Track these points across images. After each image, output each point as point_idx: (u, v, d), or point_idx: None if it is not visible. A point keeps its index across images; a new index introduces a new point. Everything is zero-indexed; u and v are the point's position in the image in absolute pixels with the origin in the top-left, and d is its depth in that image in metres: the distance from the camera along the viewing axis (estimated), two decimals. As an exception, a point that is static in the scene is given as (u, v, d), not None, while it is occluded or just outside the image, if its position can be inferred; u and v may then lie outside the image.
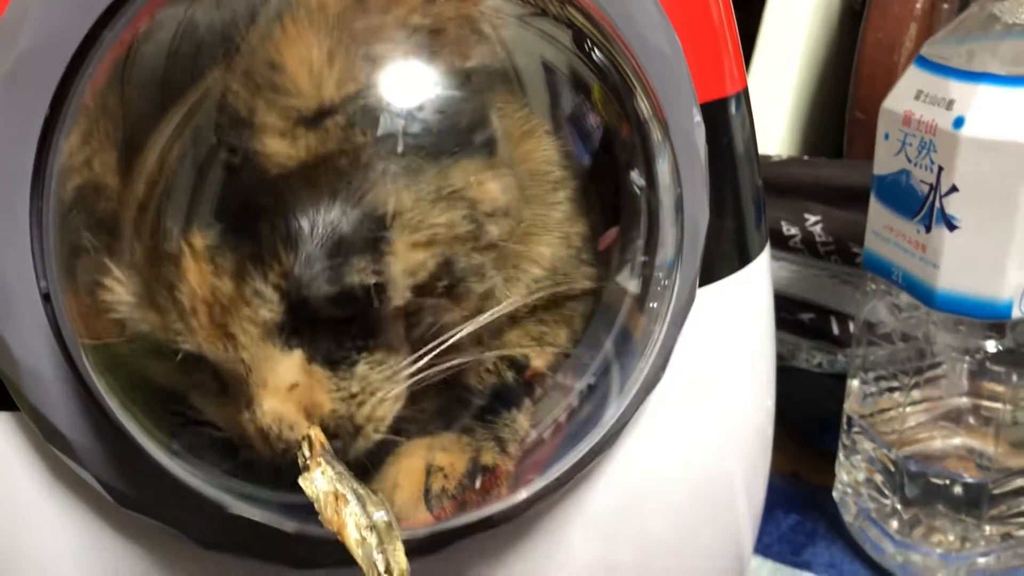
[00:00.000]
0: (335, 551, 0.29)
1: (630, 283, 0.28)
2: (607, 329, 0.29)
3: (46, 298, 0.26)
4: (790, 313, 0.60)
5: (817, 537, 0.53)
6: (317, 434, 0.25)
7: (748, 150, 0.36)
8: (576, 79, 0.27)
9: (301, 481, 0.24)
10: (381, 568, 0.24)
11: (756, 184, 0.37)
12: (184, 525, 0.28)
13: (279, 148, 0.23)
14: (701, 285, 0.34)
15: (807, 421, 0.60)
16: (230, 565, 0.30)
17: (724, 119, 0.34)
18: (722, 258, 0.35)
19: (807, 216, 0.59)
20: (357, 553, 0.24)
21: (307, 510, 0.27)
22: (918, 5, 0.62)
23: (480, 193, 0.24)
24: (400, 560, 0.24)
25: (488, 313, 0.25)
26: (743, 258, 0.36)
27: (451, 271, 0.24)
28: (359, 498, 0.24)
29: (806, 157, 0.62)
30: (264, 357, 0.24)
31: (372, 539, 0.24)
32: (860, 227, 0.50)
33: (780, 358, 0.62)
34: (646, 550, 0.39)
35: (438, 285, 0.24)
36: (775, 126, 0.66)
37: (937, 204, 0.43)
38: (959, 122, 0.41)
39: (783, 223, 0.59)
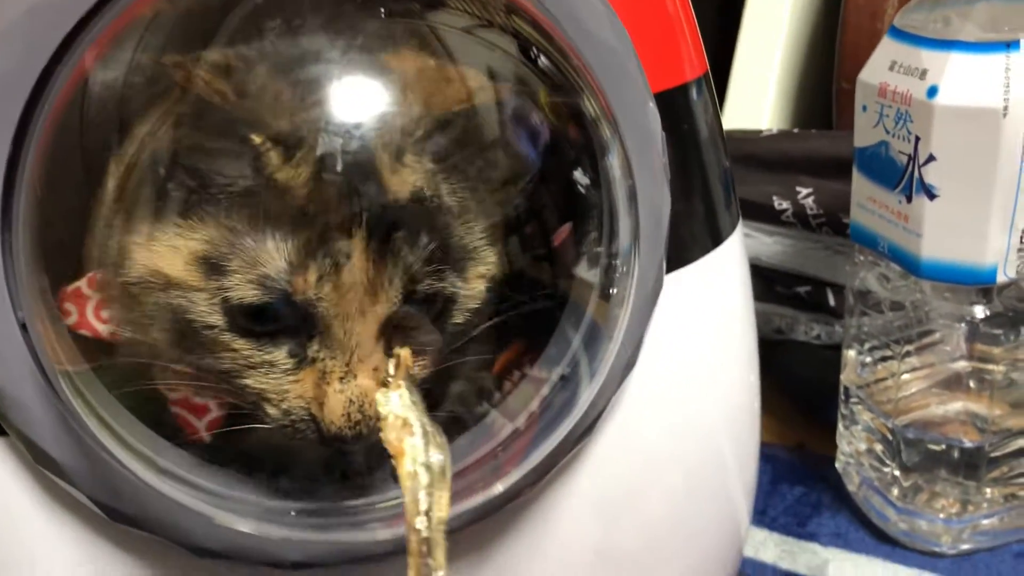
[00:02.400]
0: (327, 551, 0.31)
1: (588, 274, 0.29)
2: (574, 320, 0.30)
3: (23, 328, 0.27)
4: (787, 287, 0.60)
5: (822, 508, 0.54)
6: (406, 356, 0.27)
7: (712, 133, 0.36)
8: (523, 85, 0.28)
9: (377, 396, 0.26)
10: (423, 508, 0.24)
11: (723, 166, 0.37)
12: (175, 535, 0.29)
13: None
14: (674, 268, 0.35)
15: (810, 393, 0.61)
16: (224, 570, 0.31)
17: (685, 105, 0.35)
18: (693, 241, 0.36)
19: (799, 189, 0.59)
20: (405, 484, 0.25)
21: (292, 515, 0.28)
22: (900, -30, 0.62)
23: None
24: (443, 507, 0.24)
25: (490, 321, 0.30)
26: (715, 239, 0.37)
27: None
28: (425, 434, 0.25)
29: (796, 130, 0.62)
30: (368, 341, 0.27)
31: (424, 478, 0.25)
32: (850, 198, 0.50)
33: (779, 332, 0.63)
34: (639, 532, 0.39)
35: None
36: (764, 101, 0.66)
37: (916, 174, 0.43)
38: (933, 91, 0.41)
39: (775, 198, 0.59)
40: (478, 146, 0.28)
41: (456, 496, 0.30)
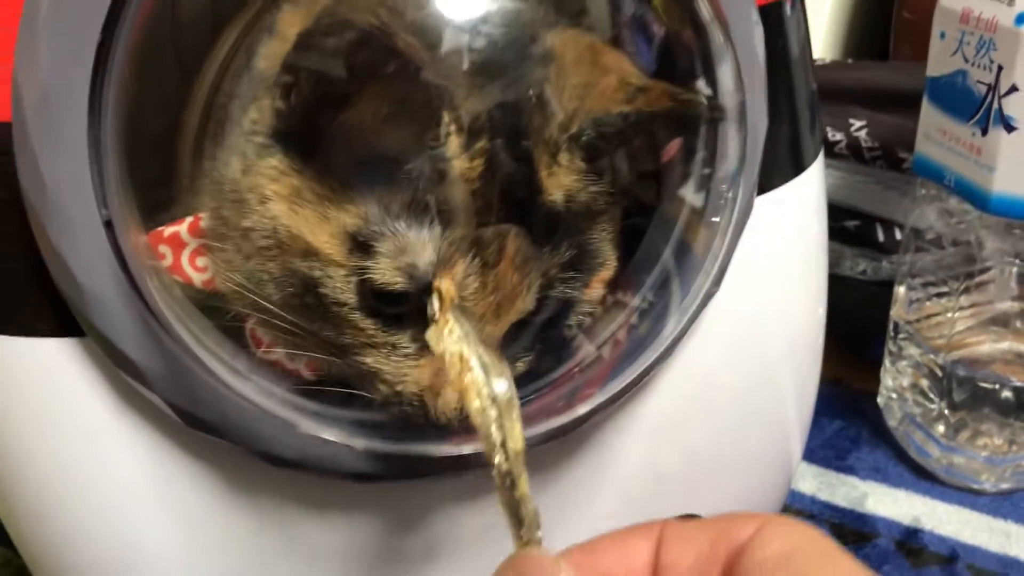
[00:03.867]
0: (400, 465, 0.30)
1: (694, 197, 0.28)
2: (669, 246, 0.29)
3: (108, 225, 0.26)
4: (835, 220, 0.59)
5: (861, 442, 0.54)
6: (448, 288, 0.25)
7: (803, 53, 0.35)
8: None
9: (428, 335, 0.25)
10: (498, 442, 0.23)
11: (811, 88, 0.36)
12: (252, 443, 0.29)
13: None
14: (760, 192, 0.34)
15: (851, 328, 0.60)
16: (297, 480, 0.30)
17: (779, 21, 0.33)
18: (777, 166, 0.35)
19: (852, 121, 0.57)
20: (476, 421, 0.24)
21: (374, 427, 0.28)
22: None
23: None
24: (517, 438, 0.23)
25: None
26: (798, 166, 0.36)
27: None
28: (484, 366, 0.24)
29: (850, 60, 0.60)
30: (494, 341, 0.26)
31: (492, 411, 0.24)
32: (907, 132, 0.49)
33: (823, 266, 0.62)
34: (693, 455, 0.39)
35: None
36: (818, 28, 0.64)
37: (995, 105, 0.42)
38: (1021, 19, 0.40)
39: (828, 129, 0.58)
40: (628, 147, 0.26)
41: (536, 416, 0.30)
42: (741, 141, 0.28)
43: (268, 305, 0.27)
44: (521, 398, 0.29)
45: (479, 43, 0.25)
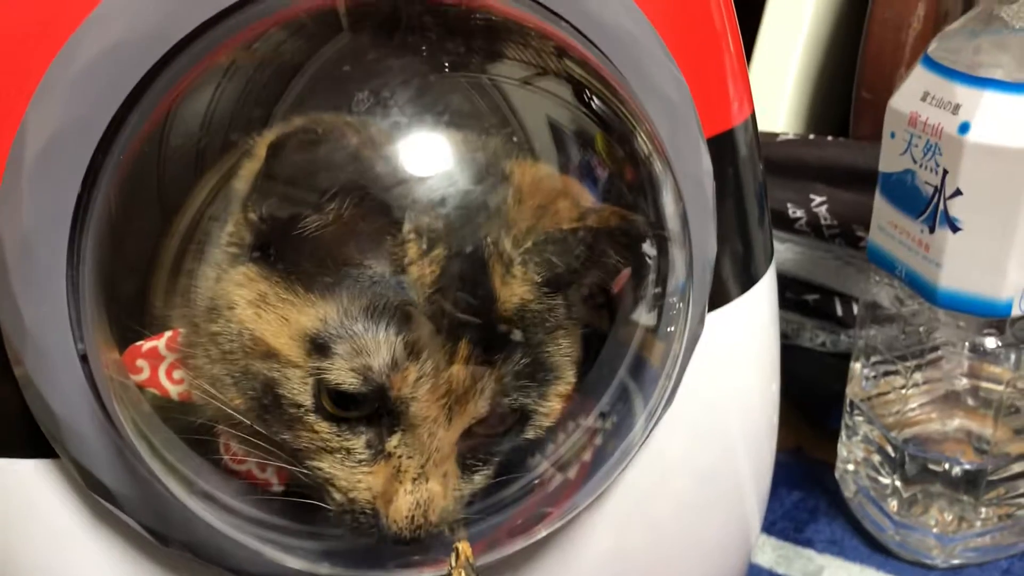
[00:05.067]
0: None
1: (647, 317, 0.29)
2: (625, 365, 0.31)
3: (83, 359, 0.27)
4: (795, 294, 0.61)
5: (819, 514, 0.55)
6: (465, 547, 0.28)
7: (756, 174, 0.37)
8: (580, 130, 0.28)
9: None
10: None
11: (763, 208, 0.38)
12: (224, 562, 0.30)
13: None
14: (711, 309, 0.35)
15: (810, 398, 0.62)
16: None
17: (733, 149, 0.35)
18: (729, 283, 0.36)
19: (812, 197, 0.59)
20: None
21: (338, 555, 0.29)
22: (927, -19, 0.62)
23: None
24: None
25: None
26: (750, 279, 0.37)
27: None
28: None
29: (812, 136, 0.62)
30: (447, 447, 0.27)
31: None
32: (865, 209, 0.50)
33: (784, 337, 0.64)
34: (652, 537, 0.40)
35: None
36: (781, 101, 0.66)
37: (941, 206, 0.44)
38: (964, 127, 0.42)
39: (789, 205, 0.60)
40: (580, 264, 0.28)
41: (497, 543, 0.31)
42: (687, 255, 0.30)
43: (231, 411, 0.28)
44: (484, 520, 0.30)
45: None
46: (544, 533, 0.31)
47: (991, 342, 0.46)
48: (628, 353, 0.31)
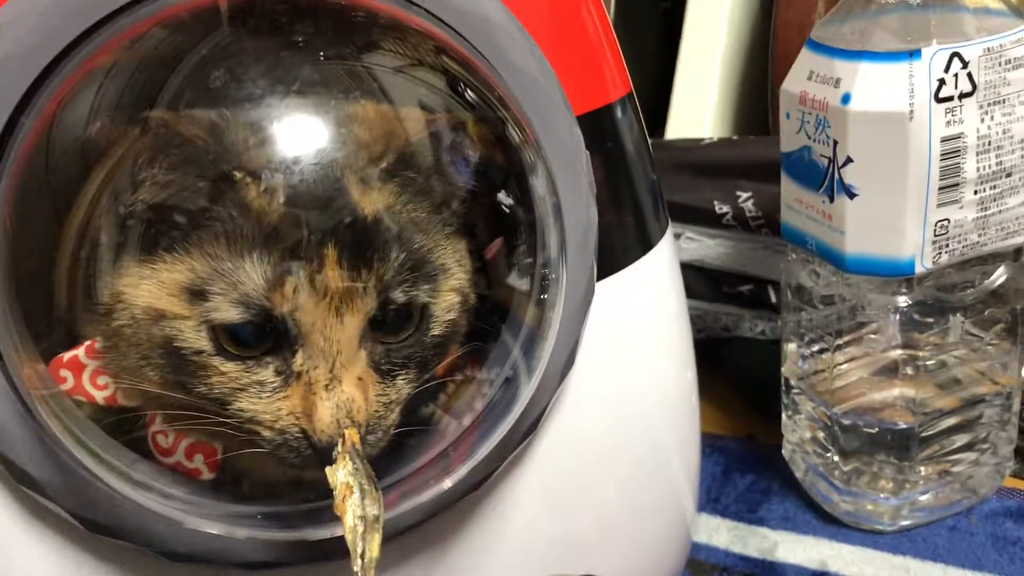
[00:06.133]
0: (286, 552, 0.33)
1: (520, 283, 0.31)
2: (512, 325, 0.33)
3: None
4: (731, 286, 0.63)
5: (771, 494, 0.57)
6: (351, 434, 0.29)
7: (638, 148, 0.39)
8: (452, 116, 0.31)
9: (328, 471, 0.29)
10: (359, 552, 0.28)
11: (650, 178, 0.40)
12: (149, 541, 0.32)
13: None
14: (607, 275, 0.38)
15: (758, 386, 0.64)
16: (197, 573, 0.33)
17: (610, 124, 0.38)
18: (625, 250, 0.38)
19: (739, 193, 0.62)
20: (348, 537, 0.29)
21: (256, 517, 0.31)
22: (825, -17, 0.65)
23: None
24: (374, 549, 0.28)
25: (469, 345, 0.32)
26: (645, 246, 0.39)
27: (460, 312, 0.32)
28: (363, 492, 0.28)
29: (735, 137, 0.65)
30: (349, 348, 0.29)
31: (360, 528, 0.28)
32: (786, 199, 0.52)
33: (726, 329, 0.66)
34: (590, 520, 0.41)
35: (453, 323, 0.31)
36: (706, 110, 0.69)
37: (837, 175, 0.46)
38: (846, 98, 0.44)
39: (716, 203, 0.62)
40: (431, 172, 0.30)
41: (409, 493, 0.33)
42: (559, 233, 0.32)
43: (157, 392, 0.30)
44: (393, 477, 0.32)
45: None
46: (450, 484, 0.32)
47: (903, 300, 0.48)
48: (509, 316, 0.33)
